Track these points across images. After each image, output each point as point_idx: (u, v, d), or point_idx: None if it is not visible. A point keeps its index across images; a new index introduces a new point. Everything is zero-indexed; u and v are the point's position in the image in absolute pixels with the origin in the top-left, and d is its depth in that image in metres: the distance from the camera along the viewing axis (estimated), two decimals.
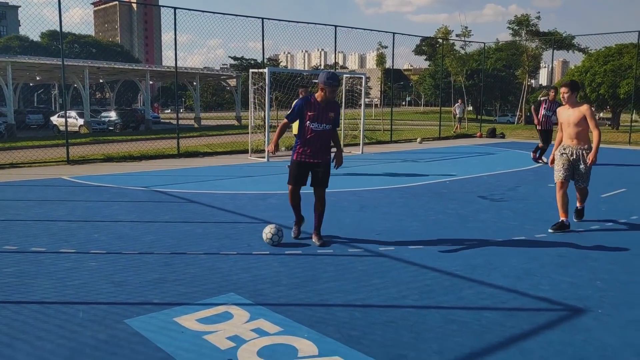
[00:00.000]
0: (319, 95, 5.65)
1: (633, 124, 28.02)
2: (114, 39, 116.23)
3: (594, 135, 6.37)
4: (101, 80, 44.01)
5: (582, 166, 6.52)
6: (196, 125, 36.61)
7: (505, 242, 6.03)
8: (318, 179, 5.76)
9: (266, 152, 6.09)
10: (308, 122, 5.63)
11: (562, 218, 6.51)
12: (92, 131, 29.97)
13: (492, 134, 25.64)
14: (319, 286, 4.47)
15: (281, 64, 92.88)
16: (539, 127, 13.59)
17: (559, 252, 5.62)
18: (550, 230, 6.45)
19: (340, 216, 7.19)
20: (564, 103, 6.56)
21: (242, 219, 7.01)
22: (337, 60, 28.46)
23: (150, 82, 42.22)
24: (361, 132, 16.98)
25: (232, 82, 45.81)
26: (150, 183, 9.97)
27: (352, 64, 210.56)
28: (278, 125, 5.85)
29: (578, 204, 7.02)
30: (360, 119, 17.20)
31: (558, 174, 6.55)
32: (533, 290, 4.44)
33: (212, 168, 12.64)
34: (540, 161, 13.74)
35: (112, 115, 34.33)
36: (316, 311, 3.94)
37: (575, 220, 6.94)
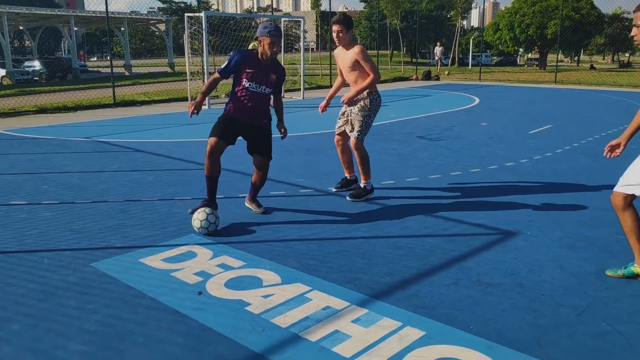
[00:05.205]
0: (261, 51, 4.79)
1: (559, 64, 29.30)
2: None
3: (368, 79, 5.39)
4: (21, 27, 41.22)
5: (354, 112, 5.71)
6: (127, 73, 35.28)
7: (443, 177, 6.47)
8: (256, 144, 4.98)
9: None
10: (245, 80, 4.79)
11: (345, 174, 5.89)
12: (15, 82, 28.35)
13: (427, 76, 26.27)
14: (276, 224, 4.74)
15: (213, 7, 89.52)
16: None
17: (492, 183, 6.12)
18: (333, 189, 5.86)
19: (288, 160, 7.42)
20: (338, 44, 5.48)
21: (191, 166, 7.11)
22: (271, 2, 27.91)
23: (75, 29, 39.95)
24: (301, 77, 17.03)
25: (162, 27, 43.99)
26: (91, 133, 9.79)
27: (286, 6, 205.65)
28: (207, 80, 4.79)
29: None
30: (299, 64, 17.21)
31: (336, 125, 5.85)
32: (470, 218, 4.89)
33: (153, 117, 12.47)
34: None
35: (36, 64, 32.46)
36: (275, 246, 4.23)
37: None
